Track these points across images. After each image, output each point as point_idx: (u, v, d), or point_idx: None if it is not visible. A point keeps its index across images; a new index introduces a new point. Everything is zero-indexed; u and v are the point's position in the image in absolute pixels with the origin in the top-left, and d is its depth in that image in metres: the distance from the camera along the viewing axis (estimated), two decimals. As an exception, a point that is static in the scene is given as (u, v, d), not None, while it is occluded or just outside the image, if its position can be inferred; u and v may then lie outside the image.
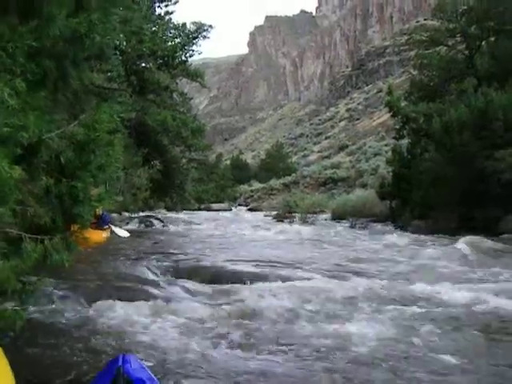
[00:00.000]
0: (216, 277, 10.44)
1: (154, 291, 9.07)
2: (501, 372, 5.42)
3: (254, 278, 10.29)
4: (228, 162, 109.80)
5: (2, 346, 2.98)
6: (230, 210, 62.42)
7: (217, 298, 8.62)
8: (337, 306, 8.09)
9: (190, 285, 9.83)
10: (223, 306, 7.98)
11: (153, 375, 3.17)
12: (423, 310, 7.78)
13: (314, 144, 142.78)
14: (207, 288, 9.58)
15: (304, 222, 33.80)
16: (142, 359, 3.39)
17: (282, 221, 35.55)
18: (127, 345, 6.05)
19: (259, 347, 6.02)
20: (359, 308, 7.90)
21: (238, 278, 10.35)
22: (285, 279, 10.17)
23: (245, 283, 9.82)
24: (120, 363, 3.00)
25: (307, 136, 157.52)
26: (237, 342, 6.19)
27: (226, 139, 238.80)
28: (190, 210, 53.72)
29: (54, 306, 7.72)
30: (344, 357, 5.75)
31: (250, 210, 61.28)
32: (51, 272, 7.37)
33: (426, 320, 7.23)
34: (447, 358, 5.71)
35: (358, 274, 11.01)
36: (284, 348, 6.06)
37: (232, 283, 9.89)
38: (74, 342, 6.18)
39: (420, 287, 9.43)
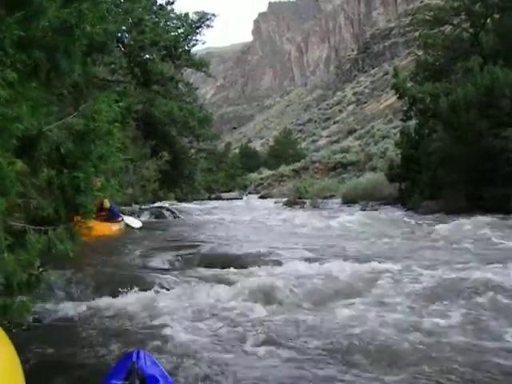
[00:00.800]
0: (231, 264, 10.41)
1: (169, 281, 9.04)
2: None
3: (274, 263, 10.29)
4: (237, 150, 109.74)
5: (13, 341, 3.00)
6: (241, 198, 62.33)
7: (234, 286, 8.57)
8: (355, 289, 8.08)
9: (207, 273, 9.81)
10: (241, 295, 7.94)
11: (166, 372, 3.18)
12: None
13: (323, 129, 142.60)
14: (223, 275, 9.55)
15: (315, 207, 33.79)
16: (155, 356, 3.39)
17: (293, 207, 35.53)
18: (142, 338, 6.03)
19: (283, 341, 5.96)
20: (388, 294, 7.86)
21: (254, 263, 10.34)
22: (308, 261, 10.15)
23: (262, 267, 9.82)
24: (134, 359, 3.01)
25: (315, 121, 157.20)
26: (258, 336, 6.09)
27: (234, 128, 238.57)
28: (201, 199, 53.78)
29: (63, 298, 7.74)
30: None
31: (261, 197, 61.21)
32: (63, 264, 7.40)
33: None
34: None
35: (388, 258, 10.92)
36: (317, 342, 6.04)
37: (248, 267, 9.88)
38: (85, 334, 6.16)
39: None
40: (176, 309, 7.16)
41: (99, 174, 5.24)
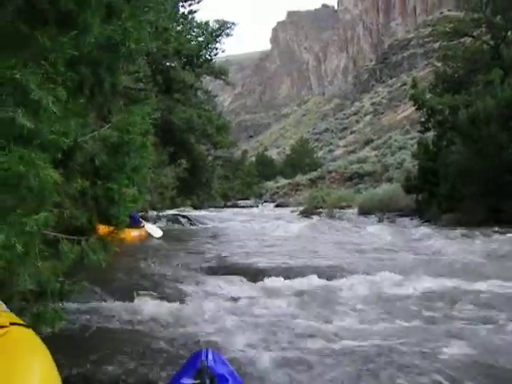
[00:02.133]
0: (249, 273, 10.48)
1: (190, 288, 9.15)
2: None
3: (291, 274, 10.32)
4: (253, 158, 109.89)
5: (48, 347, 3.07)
6: (257, 206, 62.45)
7: (255, 296, 8.66)
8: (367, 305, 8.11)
9: (215, 281, 9.89)
10: (261, 305, 8.02)
11: (235, 372, 3.21)
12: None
13: (340, 139, 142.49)
14: (244, 285, 9.63)
15: (331, 217, 33.78)
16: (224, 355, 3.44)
17: (309, 216, 35.52)
18: (162, 344, 6.10)
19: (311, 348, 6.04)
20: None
21: (273, 273, 10.40)
22: (322, 276, 10.15)
23: (283, 278, 9.87)
24: (203, 357, 3.04)
25: (332, 131, 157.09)
26: (283, 340, 6.20)
27: (250, 136, 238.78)
28: (217, 207, 53.90)
29: (91, 304, 7.83)
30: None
31: (277, 206, 61.26)
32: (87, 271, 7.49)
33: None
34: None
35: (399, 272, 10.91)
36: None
37: (267, 278, 9.95)
38: (115, 340, 6.27)
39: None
40: (197, 316, 7.25)
41: (131, 186, 5.33)
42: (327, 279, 9.82)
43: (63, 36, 3.36)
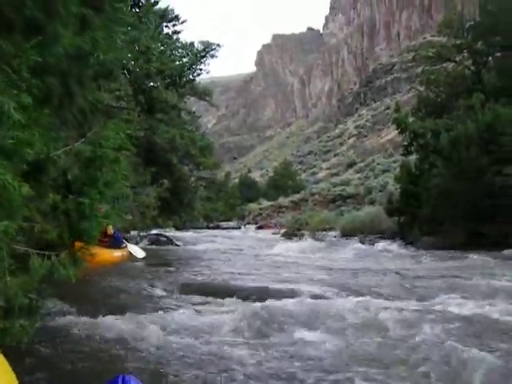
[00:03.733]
0: (227, 293, 10.44)
1: (164, 307, 9.09)
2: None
3: (267, 294, 10.24)
4: (237, 180, 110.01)
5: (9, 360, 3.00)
6: (239, 228, 62.48)
7: (230, 315, 8.60)
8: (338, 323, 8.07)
9: (201, 301, 9.85)
10: (236, 322, 7.97)
11: None
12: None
13: (323, 161, 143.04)
14: (218, 304, 9.59)
15: (313, 239, 33.78)
16: (141, 380, 3.34)
17: (291, 238, 35.52)
18: (132, 362, 6.04)
19: (275, 366, 5.99)
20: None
21: (250, 294, 10.35)
22: (295, 295, 10.10)
23: (257, 300, 9.79)
24: (119, 383, 2.94)
25: (315, 153, 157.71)
26: (249, 361, 6.15)
27: (234, 158, 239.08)
28: (199, 228, 53.82)
29: (61, 321, 7.73)
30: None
31: (259, 227, 61.25)
32: (60, 289, 7.39)
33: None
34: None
35: (370, 292, 10.92)
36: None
37: (239, 298, 9.91)
38: (81, 356, 6.19)
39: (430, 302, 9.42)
40: (168, 334, 7.19)
41: (104, 201, 5.26)
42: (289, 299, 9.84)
43: (26, 42, 3.31)
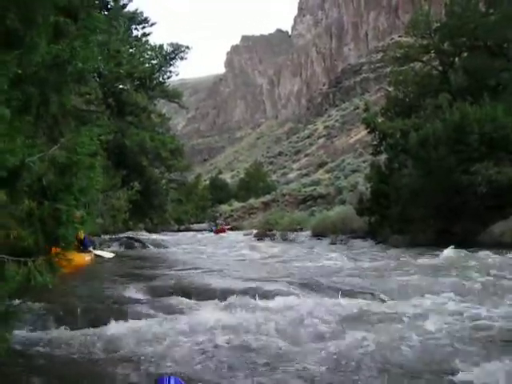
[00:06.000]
0: (198, 294, 10.48)
1: (139, 310, 9.10)
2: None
3: (237, 294, 10.30)
4: (207, 182, 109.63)
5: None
6: (211, 230, 62.28)
7: (200, 315, 8.64)
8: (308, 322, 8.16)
9: (174, 303, 9.86)
10: (207, 323, 8.02)
11: None
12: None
13: (293, 162, 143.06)
14: (190, 305, 9.61)
15: (284, 239, 33.88)
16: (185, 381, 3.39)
17: (263, 239, 35.58)
18: (114, 366, 6.05)
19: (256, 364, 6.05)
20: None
21: (221, 294, 10.40)
22: (264, 296, 10.16)
23: (228, 299, 9.85)
24: (166, 383, 3.02)
25: (286, 154, 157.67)
26: (231, 357, 6.21)
27: (205, 159, 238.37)
28: (170, 230, 53.66)
29: (37, 328, 7.71)
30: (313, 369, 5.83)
31: (231, 229, 61.19)
32: (36, 295, 7.38)
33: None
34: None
35: (333, 290, 11.02)
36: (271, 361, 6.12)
37: (215, 299, 9.95)
38: (58, 365, 6.19)
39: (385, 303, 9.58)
40: (145, 336, 7.21)
41: (79, 207, 5.26)
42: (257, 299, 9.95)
43: (7, 55, 3.32)
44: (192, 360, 6.20)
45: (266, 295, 10.25)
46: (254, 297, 10.06)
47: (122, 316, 8.54)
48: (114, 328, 7.76)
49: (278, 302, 9.68)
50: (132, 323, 8.08)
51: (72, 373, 6.01)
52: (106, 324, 7.95)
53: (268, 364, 6.10)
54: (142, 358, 6.29)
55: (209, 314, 8.70)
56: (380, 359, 6.19)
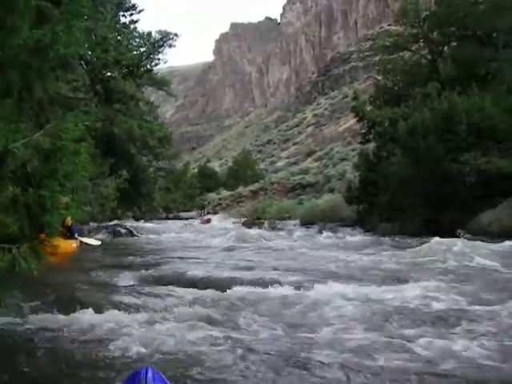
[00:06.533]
0: (187, 282, 10.47)
1: (127, 298, 9.08)
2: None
3: (226, 283, 10.30)
4: (196, 170, 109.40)
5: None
6: (200, 216, 62.24)
7: (190, 303, 8.63)
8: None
9: (162, 291, 9.83)
10: (197, 311, 8.01)
11: None
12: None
13: (282, 150, 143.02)
14: (179, 293, 9.59)
15: (273, 228, 33.87)
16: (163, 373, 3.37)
17: (251, 227, 35.55)
18: (100, 355, 6.01)
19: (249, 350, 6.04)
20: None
21: (211, 283, 10.41)
22: (251, 284, 10.16)
23: (218, 289, 9.84)
24: (143, 375, 2.99)
25: (274, 143, 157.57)
26: (212, 348, 6.18)
27: (193, 148, 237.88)
28: (158, 219, 53.58)
29: (24, 315, 7.66)
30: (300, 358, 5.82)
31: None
32: (23, 282, 7.33)
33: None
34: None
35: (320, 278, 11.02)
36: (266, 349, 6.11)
37: (205, 288, 9.92)
38: (47, 353, 6.14)
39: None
40: (135, 324, 7.17)
41: (65, 193, 5.22)
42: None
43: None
44: (175, 351, 6.16)
45: (250, 283, 10.25)
46: (242, 284, 10.08)
47: (102, 303, 8.52)
48: (91, 316, 7.72)
49: (261, 289, 9.69)
50: (112, 311, 8.04)
51: (46, 358, 5.97)
52: (84, 311, 7.92)
53: (260, 354, 6.09)
54: (119, 347, 6.23)
55: (184, 303, 8.70)
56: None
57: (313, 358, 5.76)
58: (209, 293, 9.52)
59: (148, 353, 5.99)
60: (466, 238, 18.22)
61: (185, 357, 5.88)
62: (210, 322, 7.40)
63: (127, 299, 9.08)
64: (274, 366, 5.54)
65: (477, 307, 7.91)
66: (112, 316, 7.73)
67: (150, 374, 3.03)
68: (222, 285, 10.13)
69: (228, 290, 9.66)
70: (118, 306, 8.40)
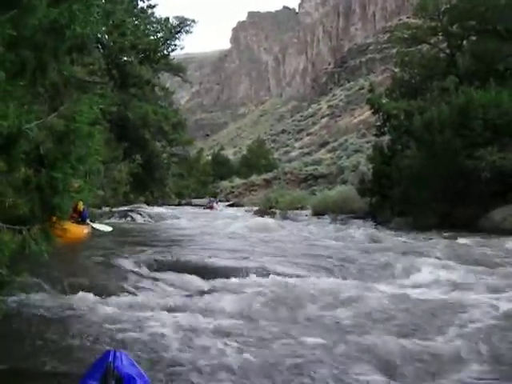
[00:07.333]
0: (198, 270, 10.42)
1: (138, 284, 9.07)
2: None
3: (237, 272, 10.27)
4: (209, 157, 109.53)
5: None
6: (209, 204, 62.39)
7: (201, 291, 8.61)
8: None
9: (174, 277, 9.81)
10: (207, 299, 7.98)
11: (143, 372, 3.13)
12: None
13: (296, 140, 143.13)
14: (190, 281, 9.57)
15: (285, 218, 33.82)
16: (132, 355, 3.33)
17: (263, 216, 35.49)
18: (110, 339, 5.99)
19: (250, 343, 5.98)
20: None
21: (222, 271, 10.36)
22: (263, 274, 10.12)
23: (229, 277, 9.81)
24: (110, 359, 2.94)
25: (289, 132, 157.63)
26: (225, 336, 6.13)
27: (207, 135, 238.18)
28: (170, 205, 53.65)
29: (35, 298, 7.66)
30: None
31: (231, 205, 61.23)
32: (33, 266, 7.32)
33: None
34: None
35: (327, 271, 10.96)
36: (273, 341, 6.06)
37: (215, 277, 9.87)
38: (56, 336, 6.13)
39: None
40: (143, 311, 7.15)
41: (77, 176, 5.19)
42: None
43: (2, 15, 3.22)
44: (165, 337, 6.12)
45: (262, 274, 10.21)
46: (247, 275, 10.04)
47: (118, 288, 8.53)
48: (94, 298, 7.75)
49: (272, 280, 9.64)
50: (125, 296, 8.06)
51: (45, 336, 5.98)
52: (86, 294, 7.94)
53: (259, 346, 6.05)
54: (103, 331, 6.24)
55: (201, 290, 8.68)
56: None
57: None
58: (217, 282, 9.48)
59: (135, 336, 5.98)
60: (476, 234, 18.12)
61: (172, 343, 5.82)
62: (208, 310, 7.36)
63: (131, 284, 9.08)
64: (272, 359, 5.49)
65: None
66: (113, 300, 7.74)
67: (118, 357, 2.99)
68: (227, 273, 10.12)
69: (233, 278, 9.67)
70: (121, 290, 8.41)
